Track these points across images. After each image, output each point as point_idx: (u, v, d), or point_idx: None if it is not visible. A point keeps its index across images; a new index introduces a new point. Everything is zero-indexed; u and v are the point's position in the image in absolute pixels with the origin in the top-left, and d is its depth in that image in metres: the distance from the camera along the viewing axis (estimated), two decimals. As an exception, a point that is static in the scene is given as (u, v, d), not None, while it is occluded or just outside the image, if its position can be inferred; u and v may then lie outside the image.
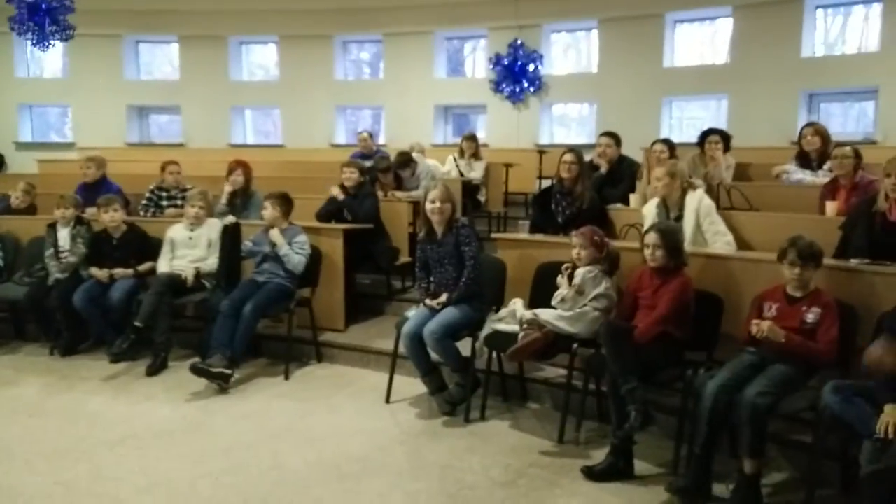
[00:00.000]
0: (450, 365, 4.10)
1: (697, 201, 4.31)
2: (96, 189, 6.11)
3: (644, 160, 5.43)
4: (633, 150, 6.18)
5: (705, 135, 5.87)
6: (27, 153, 10.61)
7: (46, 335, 5.37)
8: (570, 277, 3.86)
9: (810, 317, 3.16)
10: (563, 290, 3.84)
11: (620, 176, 5.36)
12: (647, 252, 3.61)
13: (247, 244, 5.02)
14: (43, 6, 8.58)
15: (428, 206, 4.10)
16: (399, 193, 6.51)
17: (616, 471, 3.33)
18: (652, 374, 3.44)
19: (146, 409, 4.29)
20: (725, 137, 5.89)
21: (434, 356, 4.12)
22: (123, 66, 11.36)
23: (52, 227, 5.45)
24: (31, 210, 6.24)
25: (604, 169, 5.40)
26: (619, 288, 3.92)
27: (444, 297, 4.08)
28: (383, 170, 6.56)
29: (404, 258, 5.98)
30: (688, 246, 3.95)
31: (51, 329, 5.31)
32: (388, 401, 4.36)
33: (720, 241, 4.21)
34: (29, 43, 9.16)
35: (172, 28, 11.16)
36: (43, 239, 5.47)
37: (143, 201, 6.18)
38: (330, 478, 3.38)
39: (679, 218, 4.29)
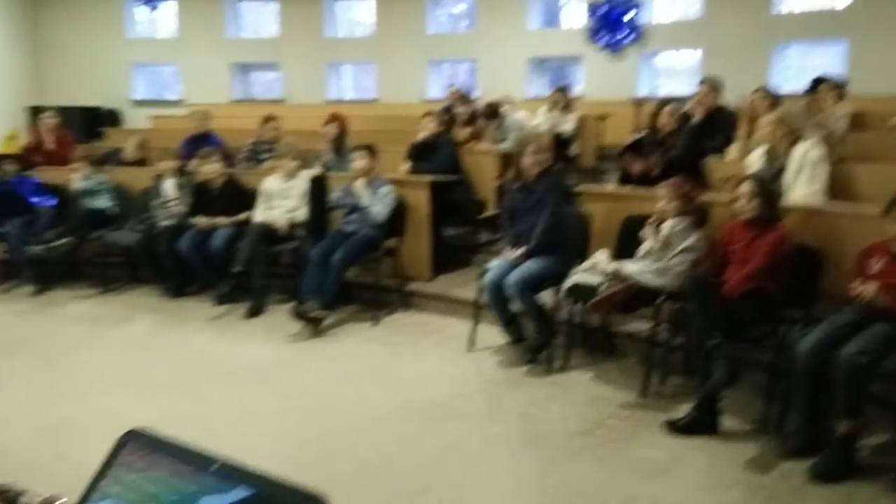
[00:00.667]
0: (529, 315, 4.09)
1: (803, 151, 4.05)
2: (201, 142, 6.44)
3: (743, 110, 5.12)
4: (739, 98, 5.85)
5: (816, 83, 5.47)
6: (142, 109, 11.27)
7: (157, 278, 5.77)
8: (658, 230, 3.75)
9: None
10: (649, 242, 3.74)
11: (718, 126, 5.09)
12: (742, 202, 3.45)
13: (335, 195, 5.17)
14: (152, -33, 9.00)
15: (525, 156, 4.08)
16: (483, 146, 6.46)
17: (700, 425, 3.25)
18: (741, 330, 3.31)
19: (245, 348, 4.56)
20: (838, 85, 5.47)
21: (515, 307, 4.14)
22: (226, 25, 11.77)
23: (159, 177, 5.80)
24: (142, 163, 6.65)
25: (699, 117, 5.14)
26: (709, 241, 3.77)
27: (522, 251, 4.05)
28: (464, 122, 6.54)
29: (490, 211, 5.98)
30: (790, 197, 3.75)
31: (160, 273, 5.70)
32: (470, 349, 4.43)
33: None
34: (140, 4, 9.64)
35: (272, -14, 11.42)
36: (152, 189, 5.84)
37: (244, 154, 6.45)
38: (411, 418, 3.50)
39: (783, 169, 4.05)
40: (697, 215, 3.73)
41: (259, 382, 3.98)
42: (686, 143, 4.61)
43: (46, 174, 6.24)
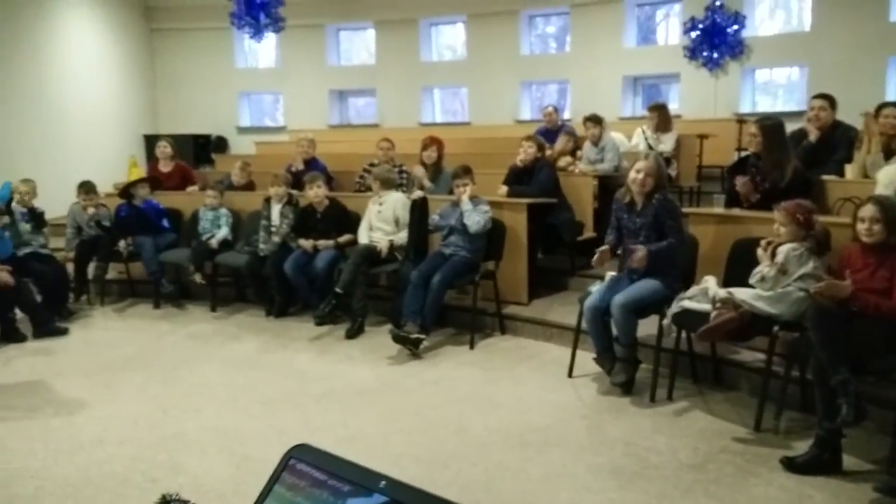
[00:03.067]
0: (625, 340, 3.98)
1: None
2: (307, 167, 6.70)
3: (864, 126, 4.83)
4: (851, 116, 5.54)
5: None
6: (246, 136, 11.85)
7: (261, 299, 6.01)
8: (773, 254, 3.58)
9: None
10: (764, 267, 3.57)
11: (834, 144, 4.81)
12: (863, 226, 3.25)
13: (434, 218, 5.24)
14: (258, 1, 9.48)
15: (631, 174, 4.05)
16: (581, 166, 6.39)
17: (821, 464, 3.07)
18: (865, 362, 3.10)
19: (346, 368, 4.67)
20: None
21: (614, 330, 4.05)
22: (326, 54, 12.23)
23: (268, 201, 6.06)
24: (249, 186, 6.97)
25: (814, 136, 4.88)
26: (829, 267, 3.56)
27: (642, 249, 3.92)
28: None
29: (588, 233, 5.90)
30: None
31: (265, 293, 5.93)
32: (570, 375, 4.36)
33: None
34: (246, 36, 10.18)
35: (369, 14, 11.79)
36: (259, 212, 6.10)
37: (357, 179, 6.68)
38: (512, 444, 3.47)
39: None
40: (816, 241, 3.53)
41: (361, 403, 4.05)
42: (796, 165, 4.35)
43: (167, 199, 6.65)
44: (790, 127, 6.45)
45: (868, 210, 3.26)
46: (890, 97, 7.81)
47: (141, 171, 6.49)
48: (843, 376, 2.97)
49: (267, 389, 4.28)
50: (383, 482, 0.78)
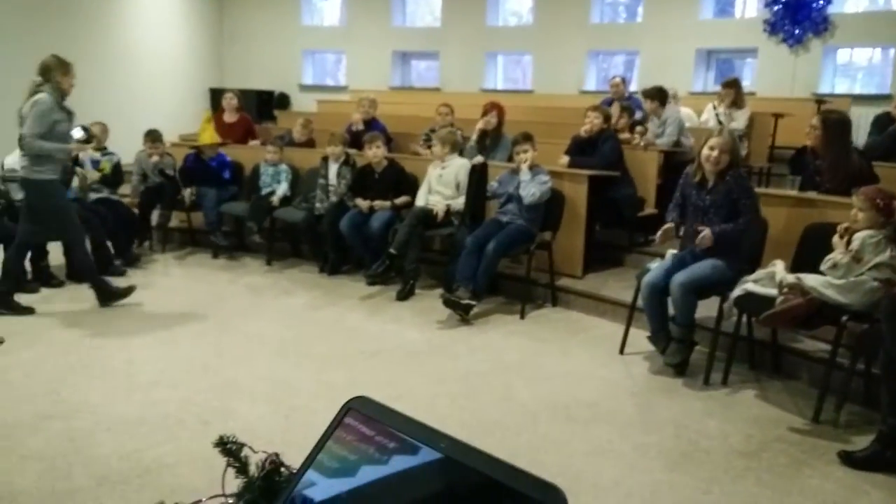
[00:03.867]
0: (680, 319, 3.85)
1: None
2: (367, 127, 6.69)
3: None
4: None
5: None
6: (308, 94, 11.90)
7: (316, 255, 6.07)
8: (848, 241, 3.40)
9: None
10: (837, 254, 3.40)
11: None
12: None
13: (492, 185, 5.16)
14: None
15: (705, 151, 3.87)
16: (639, 139, 6.15)
17: (882, 461, 2.93)
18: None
19: (395, 329, 4.68)
20: None
21: (671, 310, 3.93)
22: (391, 14, 12.13)
23: (325, 160, 6.08)
24: (310, 143, 7.01)
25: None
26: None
27: (707, 231, 3.78)
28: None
29: (650, 209, 5.74)
30: None
31: (320, 250, 5.99)
32: (622, 352, 4.28)
33: None
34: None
35: (436, -25, 11.62)
36: (317, 170, 6.13)
37: (421, 140, 6.70)
38: (558, 417, 3.43)
39: None
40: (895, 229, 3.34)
41: (409, 364, 4.07)
42: (858, 161, 4.05)
43: (229, 151, 6.74)
44: (870, 113, 6.14)
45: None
46: None
47: (213, 130, 6.57)
48: (915, 373, 2.82)
49: (317, 344, 4.34)
50: (444, 442, 0.74)
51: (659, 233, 4.01)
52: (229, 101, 7.21)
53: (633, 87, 9.96)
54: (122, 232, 6.01)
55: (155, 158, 6.42)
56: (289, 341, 4.38)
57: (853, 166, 4.03)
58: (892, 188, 3.65)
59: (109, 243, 5.75)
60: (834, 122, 4.11)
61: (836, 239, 3.47)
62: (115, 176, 6.19)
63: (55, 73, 4.40)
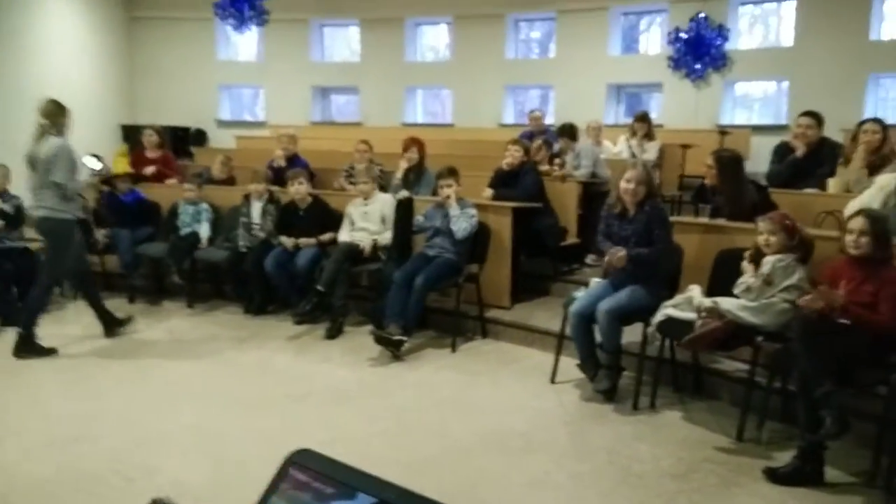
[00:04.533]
0: (608, 347, 3.97)
1: None
2: (289, 163, 6.61)
3: (848, 142, 4.90)
4: (831, 132, 5.63)
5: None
6: (226, 130, 11.67)
7: (240, 295, 5.90)
8: (757, 265, 3.60)
9: None
10: (749, 277, 3.59)
11: (821, 160, 4.87)
12: (850, 238, 3.27)
13: (419, 219, 5.19)
14: (243, -6, 9.37)
15: (622, 184, 4.03)
16: (558, 171, 6.32)
17: (803, 475, 3.08)
18: (849, 374, 3.13)
19: (325, 369, 4.60)
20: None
21: (599, 338, 4.04)
22: (309, 49, 12.11)
23: (247, 198, 5.96)
24: (230, 181, 6.87)
25: (801, 152, 4.93)
26: (811, 279, 3.59)
27: (621, 250, 3.93)
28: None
29: (572, 238, 5.90)
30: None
31: (245, 290, 5.83)
32: (553, 381, 4.34)
33: None
34: (229, 28, 10.05)
35: (354, 12, 11.72)
36: (239, 208, 6.00)
37: (342, 176, 6.64)
38: (493, 450, 3.44)
39: None
40: (802, 250, 3.56)
41: (341, 405, 3.99)
42: (751, 196, 4.30)
43: (145, 189, 6.51)
44: (768, 142, 6.55)
45: (857, 222, 3.28)
46: (869, 113, 7.96)
47: (126, 163, 6.34)
48: (826, 388, 2.99)
49: (244, 389, 4.20)
50: (393, 492, 0.74)
51: (614, 259, 4.00)
52: (149, 138, 6.99)
53: (550, 119, 10.30)
54: (26, 278, 5.67)
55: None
56: (214, 387, 4.23)
57: (750, 199, 4.28)
58: (794, 214, 3.90)
59: (15, 289, 5.42)
60: (727, 160, 4.36)
61: (745, 263, 3.66)
62: (18, 219, 5.85)
63: (59, 117, 4.70)
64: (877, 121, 4.69)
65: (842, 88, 8.75)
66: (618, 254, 3.94)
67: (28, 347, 4.66)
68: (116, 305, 6.06)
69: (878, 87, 9.08)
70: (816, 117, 4.91)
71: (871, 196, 3.87)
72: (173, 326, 5.51)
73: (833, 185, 4.67)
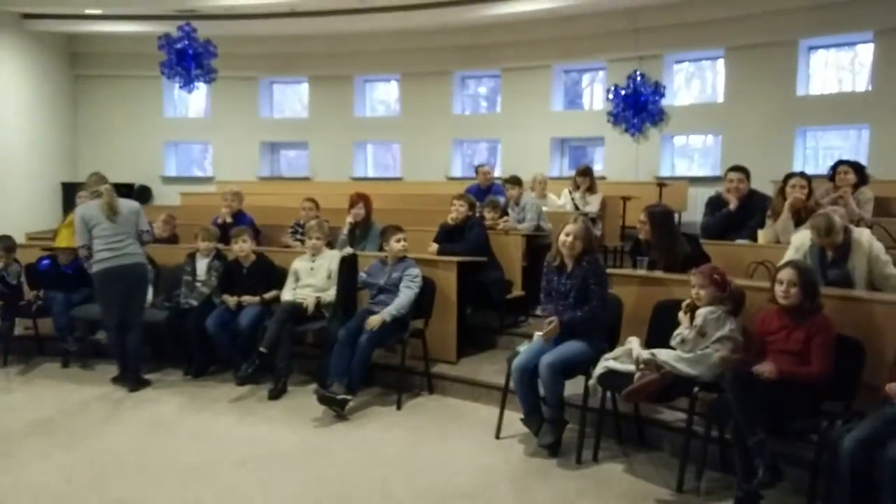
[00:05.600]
0: (551, 401, 3.98)
1: (868, 244, 3.92)
2: (234, 220, 6.55)
3: (776, 195, 5.12)
4: (761, 183, 5.88)
5: (836, 166, 5.57)
6: (172, 187, 11.55)
7: (180, 357, 5.74)
8: (692, 317, 3.69)
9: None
10: (684, 330, 3.67)
11: (751, 211, 5.07)
12: (780, 289, 3.39)
13: (363, 275, 5.18)
14: (190, 52, 9.40)
15: (561, 237, 4.11)
16: (503, 224, 6.37)
17: (741, 526, 3.11)
18: (782, 423, 3.20)
19: (268, 431, 4.48)
20: (858, 169, 5.50)
21: (542, 391, 4.05)
22: (258, 105, 12.17)
23: (192, 256, 5.86)
24: (173, 239, 6.75)
25: (733, 205, 5.13)
26: (744, 329, 3.69)
27: (554, 320, 4.00)
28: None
29: (517, 291, 5.96)
30: (861, 291, 3.74)
31: (185, 351, 5.68)
32: (498, 436, 4.31)
33: (890, 284, 3.85)
34: (176, 86, 10.05)
35: (303, 70, 11.87)
36: (182, 266, 5.89)
37: (288, 233, 6.59)
38: (438, 511, 3.38)
39: (837, 261, 3.96)
40: (733, 302, 3.66)
41: (283, 469, 3.89)
42: (683, 249, 4.47)
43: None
44: (705, 193, 6.80)
45: (786, 273, 3.41)
46: (797, 167, 8.34)
47: (71, 234, 6.08)
48: (759, 437, 3.05)
49: (182, 456, 4.06)
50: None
51: (546, 330, 4.07)
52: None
53: (497, 172, 10.50)
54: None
55: (-1, 264, 5.95)
56: (150, 455, 4.07)
57: (682, 251, 4.42)
58: (726, 265, 4.03)
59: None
60: (658, 215, 4.52)
61: (680, 315, 3.75)
62: None
63: (101, 184, 5.49)
64: (802, 175, 4.91)
65: (771, 141, 9.18)
66: (550, 325, 4.01)
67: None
68: (48, 371, 5.86)
69: (805, 139, 9.54)
70: (745, 172, 5.14)
71: (789, 256, 4.02)
72: (108, 392, 5.31)
73: (763, 235, 4.85)
